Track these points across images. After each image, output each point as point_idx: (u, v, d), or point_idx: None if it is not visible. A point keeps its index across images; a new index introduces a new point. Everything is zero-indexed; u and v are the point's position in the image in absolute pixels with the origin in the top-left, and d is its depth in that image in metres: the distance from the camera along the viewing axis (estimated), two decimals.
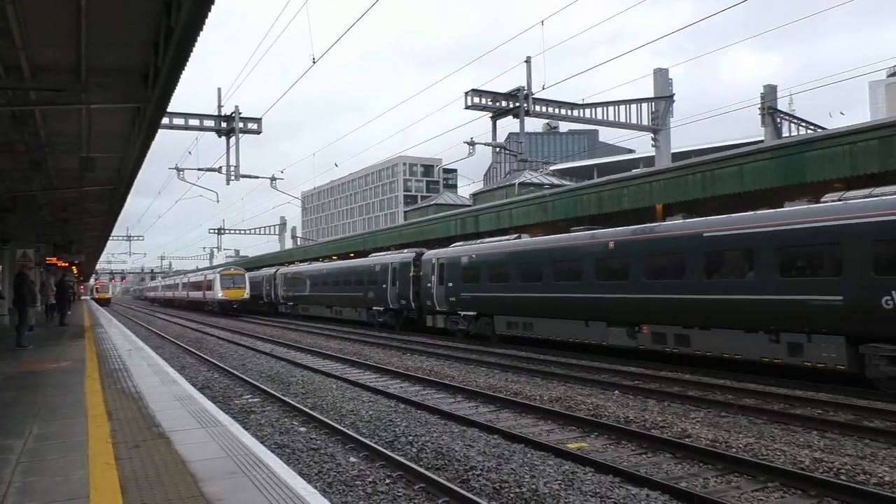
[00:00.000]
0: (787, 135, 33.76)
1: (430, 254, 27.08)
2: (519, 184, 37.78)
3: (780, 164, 17.09)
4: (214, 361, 19.28)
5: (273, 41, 25.02)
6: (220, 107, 26.86)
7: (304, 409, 11.52)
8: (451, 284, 24.69)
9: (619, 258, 17.32)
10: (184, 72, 9.34)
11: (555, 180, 41.34)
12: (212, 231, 75.88)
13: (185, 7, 7.19)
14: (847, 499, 6.74)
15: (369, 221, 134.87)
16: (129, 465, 5.54)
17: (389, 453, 8.35)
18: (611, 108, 29.23)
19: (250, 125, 26.95)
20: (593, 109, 28.77)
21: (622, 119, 29.51)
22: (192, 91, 24.96)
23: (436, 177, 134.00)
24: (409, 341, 24.95)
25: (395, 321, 30.72)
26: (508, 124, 28.60)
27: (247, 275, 52.57)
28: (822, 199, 13.40)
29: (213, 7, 7.29)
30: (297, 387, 14.56)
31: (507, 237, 23.63)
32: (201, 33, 7.98)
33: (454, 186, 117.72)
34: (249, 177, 33.12)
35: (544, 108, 27.64)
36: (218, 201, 40.52)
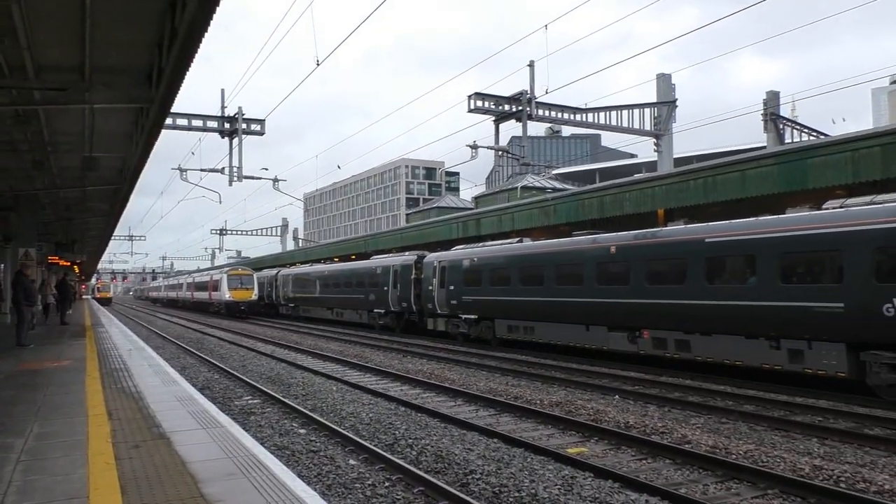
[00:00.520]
0: (790, 141, 33.78)
1: (431, 256, 27.09)
2: (521, 187, 37.77)
3: (782, 170, 17.10)
4: (215, 362, 19.28)
5: (277, 43, 25.11)
6: (223, 108, 26.95)
7: (305, 410, 11.52)
8: (452, 287, 24.69)
9: (620, 263, 17.32)
10: (188, 72, 9.36)
11: (557, 184, 41.32)
12: (214, 232, 75.91)
13: (189, 8, 7.21)
14: None
15: (371, 224, 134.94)
16: (130, 465, 5.54)
17: (389, 456, 8.35)
18: (613, 113, 29.30)
19: (253, 126, 27.02)
20: (596, 114, 28.83)
21: (625, 124, 29.57)
22: (195, 92, 25.02)
23: (438, 180, 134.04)
24: (409, 344, 24.95)
25: (395, 324, 30.72)
26: (511, 128, 28.65)
27: (255, 275, 50.97)
28: (824, 206, 13.40)
29: (217, 8, 7.31)
30: (297, 388, 14.56)
31: (508, 241, 23.64)
32: (206, 34, 8.01)
33: (456, 189, 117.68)
34: (252, 178, 33.14)
35: (547, 112, 27.70)
36: (220, 202, 40.84)
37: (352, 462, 8.41)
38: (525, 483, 7.40)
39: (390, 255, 33.43)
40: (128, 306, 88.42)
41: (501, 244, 23.43)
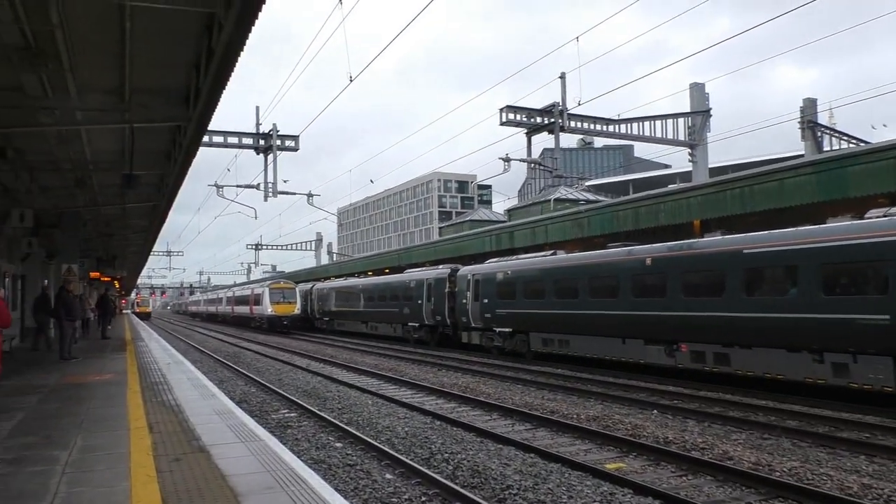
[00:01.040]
0: (829, 149, 33.11)
1: (465, 270, 27.08)
2: (554, 200, 37.62)
3: (821, 178, 16.76)
4: (251, 376, 19.47)
5: (310, 60, 25.45)
6: (258, 124, 27.39)
7: (341, 424, 11.55)
8: (486, 301, 24.63)
9: (656, 275, 17.11)
10: (224, 91, 9.54)
11: (590, 196, 41.08)
12: (249, 247, 77.08)
13: (226, 29, 7.36)
14: None
15: (404, 237, 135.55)
16: (171, 477, 5.61)
17: (426, 470, 8.32)
18: (646, 124, 29.06)
19: (288, 142, 27.39)
20: (629, 125, 28.63)
21: (658, 134, 29.30)
22: (231, 109, 25.46)
23: (470, 193, 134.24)
24: (444, 357, 24.92)
25: (430, 337, 30.72)
26: (543, 140, 28.59)
27: (297, 288, 48.87)
28: (867, 215, 13.08)
29: (253, 29, 7.44)
30: (333, 402, 14.62)
31: (542, 253, 23.52)
32: (241, 54, 8.16)
33: (489, 202, 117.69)
34: (287, 193, 33.58)
35: (579, 124, 27.59)
36: (256, 217, 41.25)
37: (388, 476, 8.40)
38: (563, 499, 7.31)
39: (424, 268, 33.50)
40: (166, 321, 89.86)
41: (535, 257, 23.33)
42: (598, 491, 7.61)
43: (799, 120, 33.61)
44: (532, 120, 26.77)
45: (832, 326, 12.83)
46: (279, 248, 76.30)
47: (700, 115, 29.79)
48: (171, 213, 23.16)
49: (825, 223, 13.68)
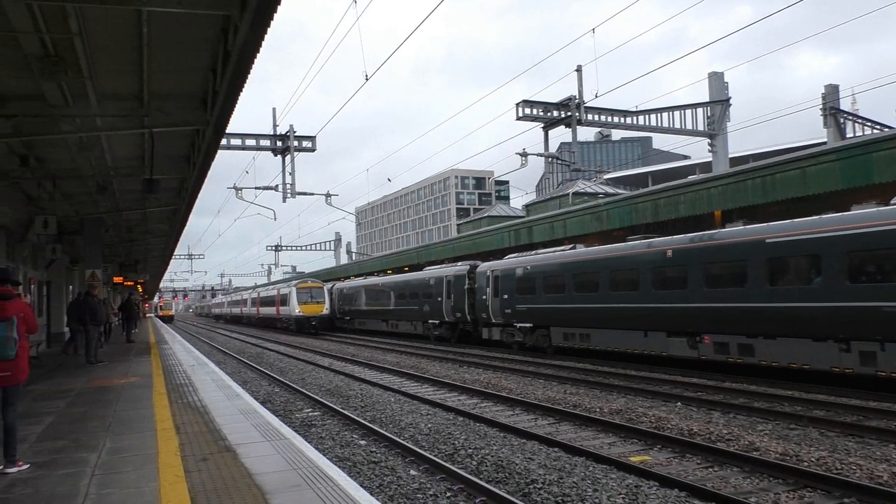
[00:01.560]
0: (852, 135, 32.65)
1: (484, 266, 27.06)
2: (572, 193, 37.47)
3: (844, 165, 16.52)
4: (275, 376, 19.61)
5: (326, 60, 25.52)
6: (275, 126, 27.54)
7: (364, 422, 11.60)
8: (506, 296, 24.60)
9: (677, 267, 16.98)
10: (241, 94, 9.60)
11: (609, 189, 40.86)
12: (269, 248, 77.63)
13: (241, 31, 7.39)
14: None
15: (422, 235, 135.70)
16: (198, 477, 5.67)
17: (450, 466, 8.33)
18: (665, 115, 28.83)
19: (305, 143, 27.52)
20: (647, 116, 28.43)
21: (677, 125, 29.05)
22: (248, 112, 25.72)
23: (488, 189, 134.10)
24: (465, 354, 24.93)
25: (450, 334, 30.75)
26: (560, 134, 28.56)
27: (325, 287, 46.89)
28: (893, 201, 12.87)
29: (268, 31, 7.48)
30: (355, 400, 14.69)
31: (561, 248, 23.44)
32: (257, 56, 8.20)
33: (506, 198, 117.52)
34: (305, 194, 33.76)
35: (597, 117, 27.45)
36: (275, 219, 41.59)
37: (413, 473, 8.43)
38: (588, 492, 7.28)
39: (443, 265, 33.52)
40: (189, 323, 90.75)
41: (554, 251, 23.25)
42: (623, 484, 7.57)
43: (821, 107, 33.18)
44: (549, 114, 26.66)
45: (859, 314, 12.65)
46: (299, 248, 76.81)
47: (719, 104, 29.49)
48: (191, 217, 23.37)
49: (850, 210, 13.49)
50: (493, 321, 25.73)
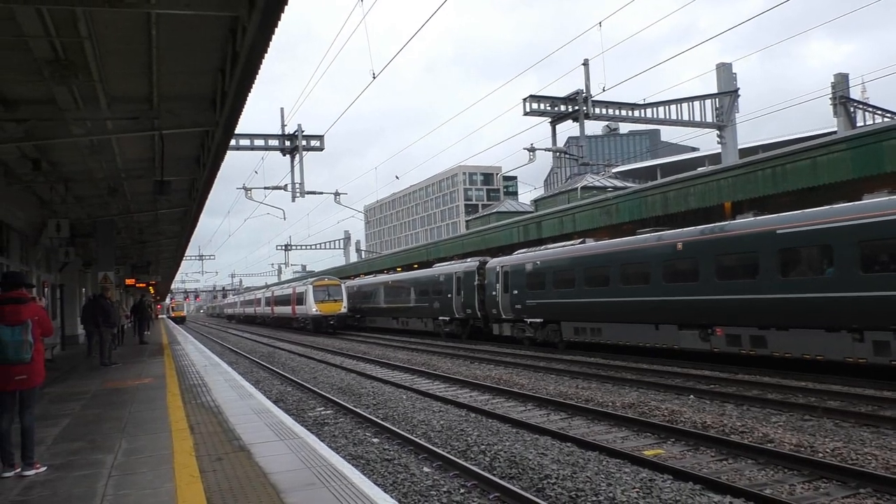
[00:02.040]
0: (862, 124, 32.38)
1: (494, 262, 27.05)
2: (581, 188, 37.36)
3: (856, 154, 16.40)
4: (287, 375, 19.69)
5: (333, 59, 25.56)
6: (283, 126, 27.57)
7: (376, 420, 11.64)
8: (516, 292, 24.59)
9: (688, 259, 16.92)
10: (249, 94, 9.63)
11: (617, 182, 40.73)
12: (279, 247, 77.86)
13: (249, 31, 7.42)
14: None
15: (431, 232, 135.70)
16: (214, 477, 5.71)
17: (463, 462, 8.35)
18: (673, 107, 28.69)
19: (313, 142, 27.51)
20: (655, 109, 28.29)
21: (685, 117, 28.90)
22: (256, 112, 25.82)
23: (496, 185, 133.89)
24: (476, 350, 24.94)
25: (461, 330, 30.77)
26: (568, 128, 28.42)
27: (343, 285, 45.24)
28: None
29: (276, 31, 7.50)
30: (367, 398, 14.73)
31: (570, 242, 23.39)
32: (265, 56, 8.23)
33: (515, 194, 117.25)
34: (314, 193, 33.74)
35: (604, 111, 27.34)
36: (284, 218, 41.60)
37: (426, 469, 8.45)
38: (602, 486, 7.28)
39: (452, 262, 33.52)
40: (201, 324, 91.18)
41: (564, 246, 23.21)
42: (637, 478, 7.57)
43: (830, 96, 32.93)
44: (556, 108, 26.58)
45: (872, 304, 12.58)
46: (308, 247, 77.05)
47: (728, 95, 29.32)
48: (201, 217, 23.45)
49: (861, 200, 13.39)
50: (504, 317, 25.73)
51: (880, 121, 32.99)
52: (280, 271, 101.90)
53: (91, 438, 7.69)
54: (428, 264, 38.29)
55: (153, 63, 8.89)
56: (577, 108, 25.99)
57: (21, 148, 11.98)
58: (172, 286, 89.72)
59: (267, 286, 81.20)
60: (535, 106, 26.27)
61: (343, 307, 43.27)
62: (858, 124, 32.34)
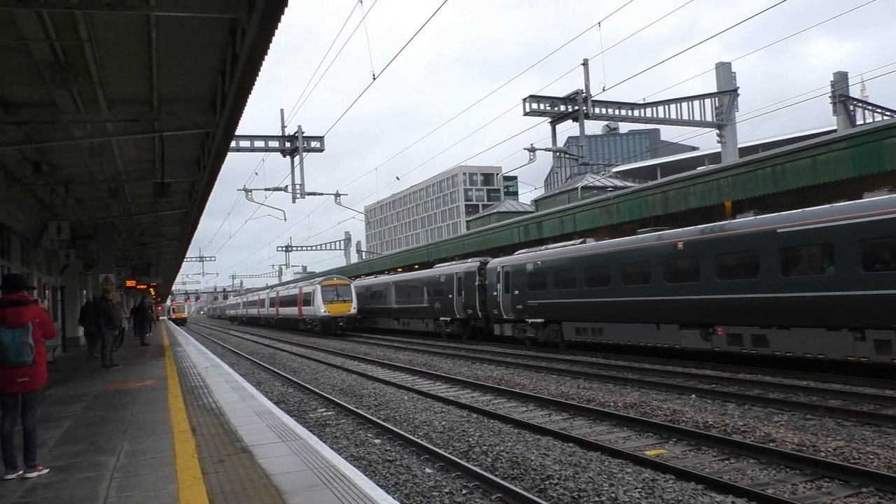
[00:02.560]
0: (862, 123, 32.38)
1: (494, 262, 27.05)
2: (581, 188, 37.34)
3: (856, 153, 16.40)
4: (288, 376, 19.69)
5: (333, 59, 25.58)
6: (283, 127, 27.58)
7: (378, 421, 11.64)
8: (517, 292, 24.59)
9: (688, 258, 16.92)
10: (250, 96, 9.63)
11: (618, 182, 40.70)
12: (280, 249, 77.83)
13: (249, 33, 7.41)
14: None
15: (432, 232, 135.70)
16: (216, 479, 5.71)
17: (465, 463, 8.35)
18: (672, 107, 28.70)
19: (313, 144, 27.52)
20: (654, 108, 28.31)
21: (685, 117, 28.91)
22: (257, 114, 25.80)
23: (496, 185, 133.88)
24: (477, 351, 24.93)
25: (462, 331, 30.76)
26: (568, 128, 28.42)
27: (352, 285, 43.67)
28: None
29: (276, 33, 7.49)
30: (369, 399, 14.73)
31: (571, 242, 23.39)
32: (265, 58, 8.22)
33: (515, 194, 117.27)
34: (314, 194, 33.73)
35: (604, 110, 27.36)
36: (285, 219, 41.59)
37: (428, 470, 8.45)
38: (604, 487, 7.28)
39: (453, 262, 33.52)
40: (202, 325, 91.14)
41: (564, 246, 23.21)
42: (639, 478, 7.56)
43: (830, 94, 32.93)
44: (556, 108, 26.60)
45: (873, 303, 12.57)
46: (309, 248, 76.98)
47: (727, 94, 29.32)
48: (202, 219, 23.45)
49: (862, 198, 13.39)
50: (505, 317, 25.73)
51: (880, 119, 32.99)
52: (281, 272, 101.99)
53: (93, 440, 7.69)
54: (429, 265, 38.29)
55: (153, 65, 8.88)
56: (576, 108, 26.01)
57: (21, 150, 11.98)
58: (173, 288, 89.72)
59: (271, 287, 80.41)
60: (534, 106, 26.29)
61: (353, 308, 41.89)
62: (858, 123, 32.34)
